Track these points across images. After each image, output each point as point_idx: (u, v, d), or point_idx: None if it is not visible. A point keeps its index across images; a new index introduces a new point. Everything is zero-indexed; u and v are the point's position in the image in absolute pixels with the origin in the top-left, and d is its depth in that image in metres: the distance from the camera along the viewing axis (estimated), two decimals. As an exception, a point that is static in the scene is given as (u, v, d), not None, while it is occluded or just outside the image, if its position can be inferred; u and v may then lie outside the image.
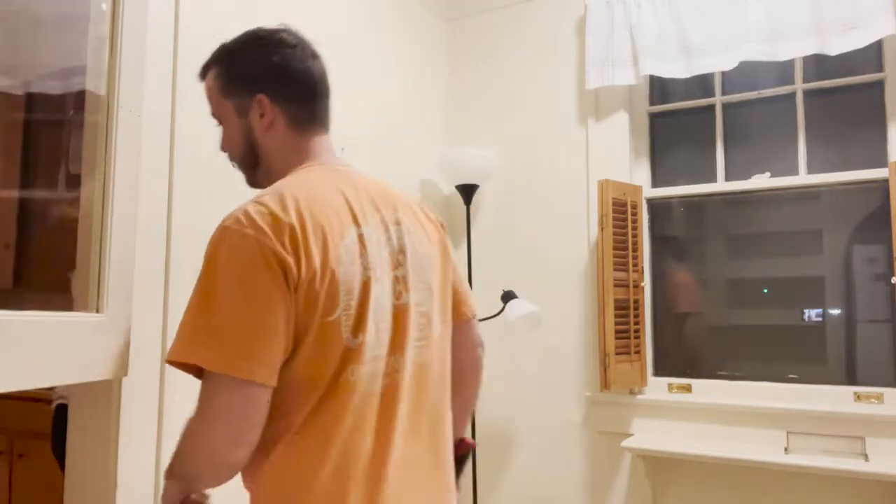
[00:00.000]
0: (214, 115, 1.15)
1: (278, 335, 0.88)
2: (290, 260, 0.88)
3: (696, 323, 2.51)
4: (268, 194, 0.94)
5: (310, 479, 0.91)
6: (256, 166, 1.12)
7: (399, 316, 1.01)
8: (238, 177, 1.88)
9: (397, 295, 1.02)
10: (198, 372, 0.88)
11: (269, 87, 1.09)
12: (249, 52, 1.13)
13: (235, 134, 1.12)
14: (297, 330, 0.91)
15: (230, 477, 0.92)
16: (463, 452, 1.23)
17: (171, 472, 0.93)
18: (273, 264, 0.87)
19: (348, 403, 0.94)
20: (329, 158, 1.11)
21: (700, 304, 2.49)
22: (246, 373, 0.85)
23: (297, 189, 0.97)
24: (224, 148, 1.15)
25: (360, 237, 0.98)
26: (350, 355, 0.93)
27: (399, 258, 1.03)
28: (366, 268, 0.96)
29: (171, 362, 0.88)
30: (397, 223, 1.06)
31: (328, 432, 0.92)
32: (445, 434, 1.08)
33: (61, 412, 1.77)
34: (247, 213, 0.90)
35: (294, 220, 0.91)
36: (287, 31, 1.17)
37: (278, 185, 0.99)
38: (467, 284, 1.26)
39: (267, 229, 0.89)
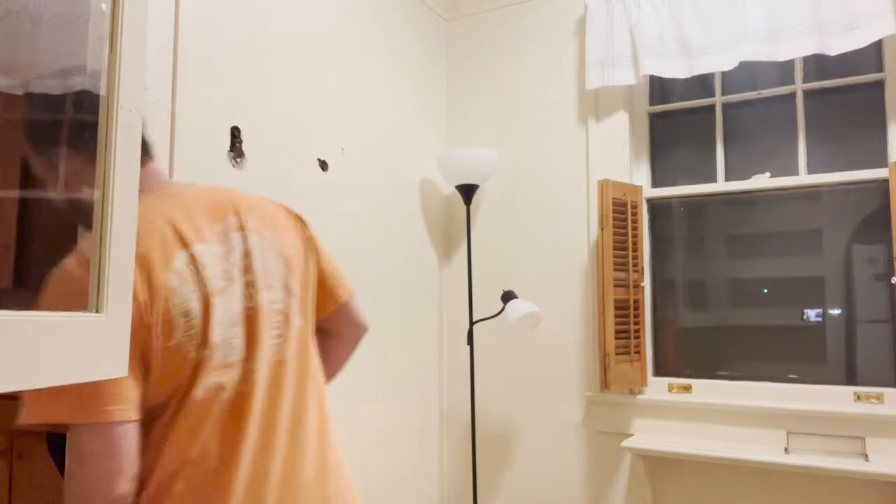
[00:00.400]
0: None
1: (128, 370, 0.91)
2: None
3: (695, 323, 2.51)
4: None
5: (163, 496, 0.98)
6: None
7: (251, 318, 1.06)
8: (238, 177, 1.89)
9: (248, 298, 1.06)
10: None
11: None
12: None
13: None
14: (143, 359, 0.95)
15: None
16: None
17: None
18: None
19: (201, 416, 0.99)
20: (157, 184, 1.11)
21: (700, 305, 2.49)
22: (104, 416, 0.89)
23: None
24: None
25: (192, 257, 1.01)
26: (198, 370, 0.99)
27: (246, 262, 1.07)
28: (202, 285, 1.00)
29: (27, 424, 0.93)
30: (240, 228, 1.09)
31: (184, 446, 0.98)
32: (308, 422, 1.11)
33: None
34: (78, 257, 0.94)
35: None
36: None
37: None
38: (339, 269, 1.28)
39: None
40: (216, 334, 1.01)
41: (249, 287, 1.07)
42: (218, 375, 1.01)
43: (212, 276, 1.02)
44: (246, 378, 1.04)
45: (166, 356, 0.99)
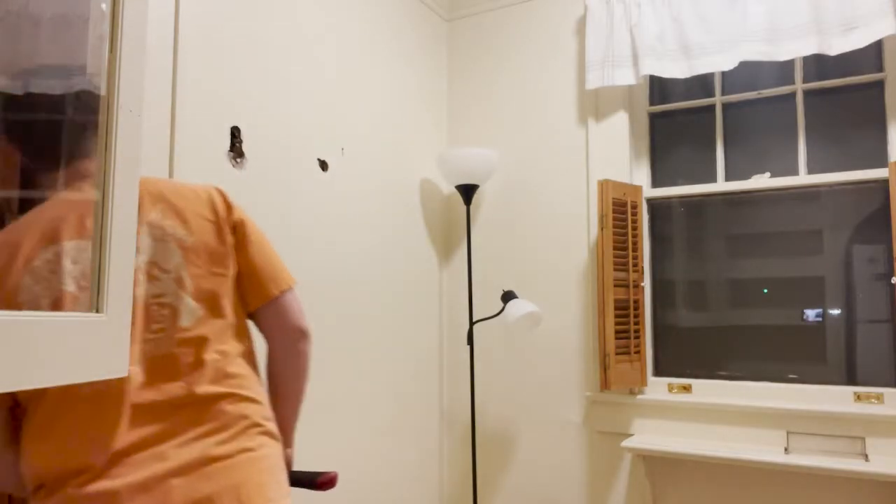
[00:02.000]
0: None
1: None
2: None
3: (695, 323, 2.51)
4: None
5: (34, 495, 0.99)
6: None
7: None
8: (238, 177, 1.89)
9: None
10: None
11: None
12: None
13: None
14: None
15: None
16: (321, 486, 1.22)
17: None
18: None
19: (60, 411, 0.98)
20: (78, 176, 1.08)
21: (700, 304, 2.49)
22: None
23: (14, 222, 1.02)
24: None
25: (57, 255, 0.98)
26: None
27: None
28: (60, 283, 0.97)
29: None
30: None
31: (40, 443, 0.98)
32: (194, 419, 1.03)
33: None
34: None
35: None
36: None
37: None
38: (274, 260, 1.19)
39: None
40: None
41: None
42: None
43: (76, 275, 0.97)
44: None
45: None
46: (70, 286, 0.98)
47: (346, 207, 2.25)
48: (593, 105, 2.59)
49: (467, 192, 2.58)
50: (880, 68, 2.25)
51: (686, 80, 2.51)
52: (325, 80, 2.18)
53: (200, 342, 1.06)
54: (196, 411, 1.02)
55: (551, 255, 2.63)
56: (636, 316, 2.41)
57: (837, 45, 2.10)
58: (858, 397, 2.14)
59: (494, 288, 2.76)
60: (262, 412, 1.10)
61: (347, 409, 2.23)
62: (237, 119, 1.81)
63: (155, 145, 1.56)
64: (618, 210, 2.39)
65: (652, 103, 2.62)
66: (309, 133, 2.09)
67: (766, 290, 2.37)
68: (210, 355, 1.06)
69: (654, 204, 2.58)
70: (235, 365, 1.09)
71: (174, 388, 1.02)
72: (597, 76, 2.48)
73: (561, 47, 2.69)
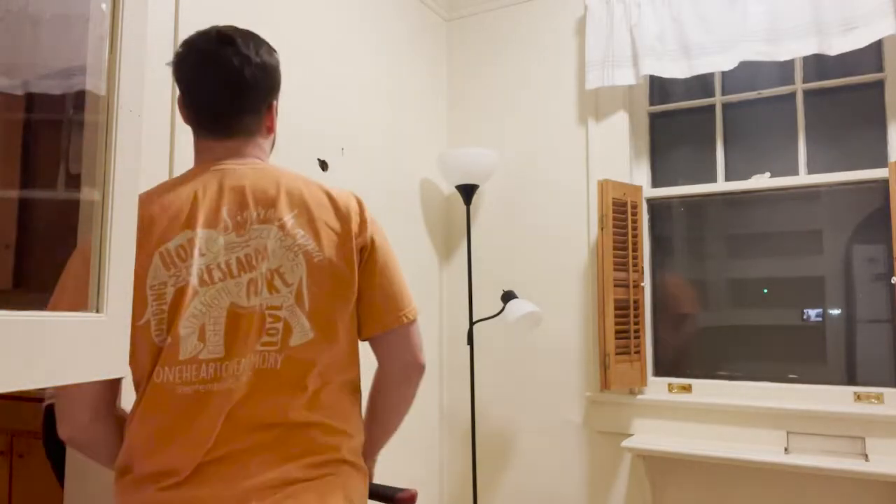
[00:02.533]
0: None
1: None
2: None
3: (695, 323, 2.51)
4: None
5: (119, 476, 1.01)
6: None
7: (241, 319, 0.99)
8: (238, 177, 1.87)
9: (243, 297, 0.99)
10: None
11: (180, 86, 1.11)
12: (175, 55, 1.11)
13: None
14: None
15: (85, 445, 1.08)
16: (399, 503, 1.18)
17: None
18: None
19: (160, 404, 0.97)
20: (210, 158, 1.08)
21: (700, 304, 2.49)
22: None
23: (146, 195, 1.04)
24: None
25: (190, 241, 0.98)
26: (161, 357, 0.97)
27: (256, 260, 1.00)
28: (186, 272, 0.97)
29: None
30: (264, 221, 1.02)
31: (137, 430, 0.98)
32: (292, 439, 1.00)
33: (52, 414, 1.77)
34: None
35: None
36: (216, 30, 1.09)
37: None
38: (398, 287, 1.13)
39: None
40: (184, 325, 0.96)
41: (251, 285, 1.00)
42: (178, 369, 0.97)
43: (203, 266, 0.98)
44: (218, 378, 0.97)
45: (135, 336, 0.98)
46: (194, 279, 0.97)
47: (346, 207, 2.25)
48: (593, 105, 2.59)
49: (467, 192, 2.58)
50: (880, 68, 2.24)
51: (686, 80, 2.51)
52: (324, 80, 2.18)
53: (307, 366, 1.02)
54: (287, 435, 1.00)
55: (551, 255, 2.63)
56: (636, 316, 2.41)
57: (837, 45, 2.10)
58: (858, 397, 2.14)
59: (494, 288, 2.76)
60: (352, 445, 1.07)
61: (347, 409, 2.22)
62: (237, 119, 1.81)
63: (155, 145, 1.56)
64: (618, 210, 2.39)
65: (652, 103, 2.62)
66: (309, 133, 2.09)
67: (766, 290, 2.37)
68: (312, 381, 1.02)
69: (654, 204, 2.58)
70: (336, 394, 1.06)
71: (271, 408, 0.99)
72: (597, 76, 2.48)
73: (561, 47, 2.69)
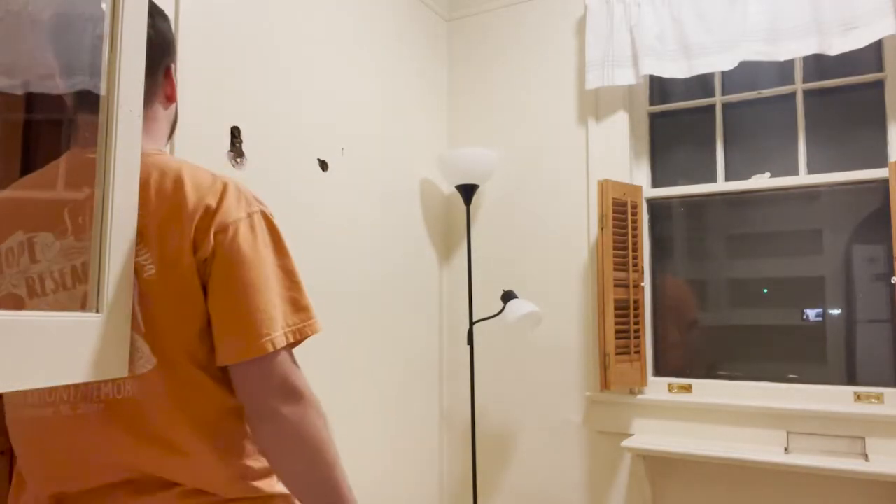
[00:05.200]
0: None
1: None
2: None
3: (696, 324, 2.51)
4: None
5: None
6: None
7: None
8: (238, 176, 1.89)
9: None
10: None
11: None
12: None
13: None
14: None
15: None
16: None
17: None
18: None
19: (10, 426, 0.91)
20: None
21: (700, 305, 2.49)
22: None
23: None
24: None
25: (23, 244, 0.87)
26: None
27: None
28: (10, 280, 0.86)
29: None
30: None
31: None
32: (128, 467, 0.86)
33: None
34: None
35: None
36: None
37: None
38: (255, 311, 0.85)
39: None
40: None
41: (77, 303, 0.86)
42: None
43: (35, 275, 0.83)
44: (50, 402, 0.87)
45: None
46: (21, 290, 0.83)
47: (346, 207, 2.25)
48: (593, 105, 2.59)
49: (467, 192, 2.58)
50: (880, 68, 2.24)
51: (686, 80, 2.51)
52: (325, 80, 2.18)
53: (150, 397, 0.89)
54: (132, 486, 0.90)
55: (551, 255, 2.63)
56: (636, 316, 2.41)
57: (837, 45, 2.10)
58: (858, 397, 2.14)
59: (494, 288, 2.76)
60: (220, 484, 0.89)
61: (347, 410, 2.23)
62: (237, 119, 1.81)
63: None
64: (618, 210, 2.39)
65: (652, 103, 2.62)
66: (309, 133, 2.09)
67: (766, 290, 2.37)
68: (159, 417, 0.89)
69: (654, 204, 2.58)
70: (190, 433, 0.89)
71: (115, 450, 0.87)
72: (597, 76, 2.48)
73: (561, 47, 2.69)
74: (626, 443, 2.27)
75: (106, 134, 0.76)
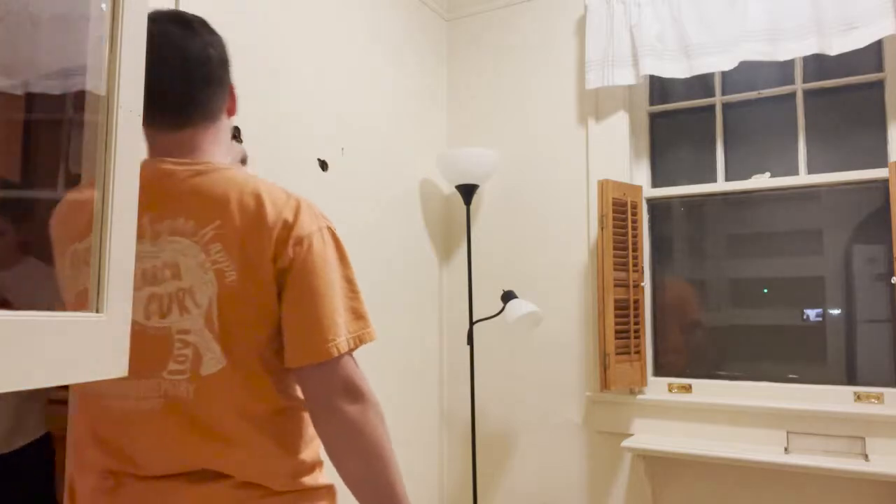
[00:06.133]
0: None
1: None
2: None
3: (696, 323, 2.51)
4: None
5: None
6: None
7: (150, 340, 0.91)
8: (238, 177, 1.87)
9: (148, 315, 0.91)
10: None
11: None
12: None
13: None
14: None
15: None
16: None
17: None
18: None
19: (86, 410, 0.96)
20: (154, 151, 0.99)
21: (700, 305, 2.49)
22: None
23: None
24: None
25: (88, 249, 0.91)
26: None
27: (164, 274, 0.91)
28: (87, 277, 0.88)
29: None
30: (185, 234, 0.92)
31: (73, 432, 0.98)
32: (190, 463, 0.92)
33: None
34: None
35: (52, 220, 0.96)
36: (156, 20, 0.98)
37: None
38: (321, 319, 0.93)
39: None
40: None
41: (153, 302, 0.91)
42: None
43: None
44: (120, 394, 0.92)
45: None
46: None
47: (345, 207, 2.25)
48: (593, 105, 2.59)
49: (467, 192, 2.58)
50: (880, 68, 2.24)
51: (686, 80, 2.51)
52: (325, 80, 2.18)
53: (226, 400, 0.95)
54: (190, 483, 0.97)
55: (551, 255, 2.63)
56: (636, 316, 2.41)
57: (837, 45, 2.10)
58: (858, 397, 2.14)
59: (494, 288, 2.76)
60: (282, 481, 0.97)
61: (347, 409, 2.22)
62: (237, 119, 1.81)
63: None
64: (618, 210, 2.39)
65: (652, 103, 2.62)
66: (309, 133, 2.09)
67: (766, 290, 2.37)
68: (226, 417, 0.98)
69: (654, 204, 2.58)
70: (255, 433, 0.98)
71: (178, 449, 0.94)
72: (597, 76, 2.48)
73: (561, 47, 2.69)
74: (626, 443, 2.27)
75: (106, 134, 0.75)
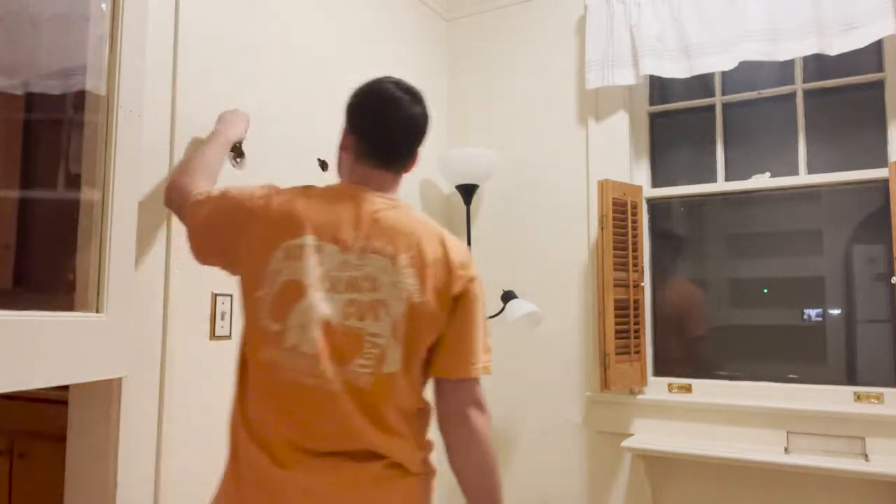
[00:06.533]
0: None
1: None
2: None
3: (695, 323, 2.51)
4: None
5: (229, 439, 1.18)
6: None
7: (335, 331, 1.11)
8: (238, 176, 1.89)
9: (347, 315, 1.12)
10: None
11: (350, 122, 1.29)
12: (354, 94, 1.31)
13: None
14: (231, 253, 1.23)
15: None
16: None
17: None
18: None
19: (267, 383, 1.12)
20: (361, 181, 1.25)
21: (700, 305, 2.49)
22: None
23: (300, 188, 1.22)
24: None
25: (318, 247, 1.13)
26: (267, 339, 1.11)
27: (364, 285, 1.13)
28: (302, 272, 1.11)
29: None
30: (384, 255, 1.15)
31: (242, 397, 1.16)
32: (355, 443, 1.12)
33: None
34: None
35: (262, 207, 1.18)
36: (394, 83, 1.28)
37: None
38: (472, 345, 1.20)
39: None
40: (291, 318, 1.10)
41: (351, 306, 1.12)
42: (283, 354, 1.10)
43: (320, 273, 1.12)
44: (313, 374, 1.10)
45: (252, 304, 1.14)
46: (310, 280, 1.10)
47: (346, 207, 2.25)
48: (593, 105, 2.59)
49: (467, 192, 2.58)
50: (880, 68, 2.24)
51: (686, 80, 2.51)
52: (325, 80, 2.18)
53: (390, 392, 1.16)
54: (353, 459, 1.15)
55: (551, 255, 2.63)
56: (636, 316, 2.41)
57: (837, 45, 2.10)
58: (858, 397, 2.14)
59: (494, 288, 2.76)
60: (414, 459, 1.22)
61: (347, 409, 2.22)
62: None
63: (155, 145, 1.56)
64: (618, 210, 2.39)
65: (652, 103, 2.62)
66: (309, 133, 2.09)
67: (766, 290, 2.37)
68: (390, 407, 1.17)
69: (654, 204, 2.58)
70: (403, 421, 1.20)
71: (353, 426, 1.13)
72: (597, 76, 2.48)
73: (561, 47, 2.69)
74: (626, 443, 2.27)
75: (106, 134, 0.75)
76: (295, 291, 1.09)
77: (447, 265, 1.19)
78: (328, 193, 1.21)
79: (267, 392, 1.12)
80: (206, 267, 1.29)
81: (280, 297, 1.10)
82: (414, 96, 1.27)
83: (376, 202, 1.21)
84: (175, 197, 1.34)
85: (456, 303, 1.18)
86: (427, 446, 1.24)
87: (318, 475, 1.09)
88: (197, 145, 1.50)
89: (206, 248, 1.23)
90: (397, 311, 1.13)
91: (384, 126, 1.25)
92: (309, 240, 1.12)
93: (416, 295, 1.14)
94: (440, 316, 1.17)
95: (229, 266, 1.21)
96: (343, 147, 1.29)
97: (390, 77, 1.29)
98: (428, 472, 1.24)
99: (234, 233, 1.17)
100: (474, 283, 1.22)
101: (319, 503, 1.09)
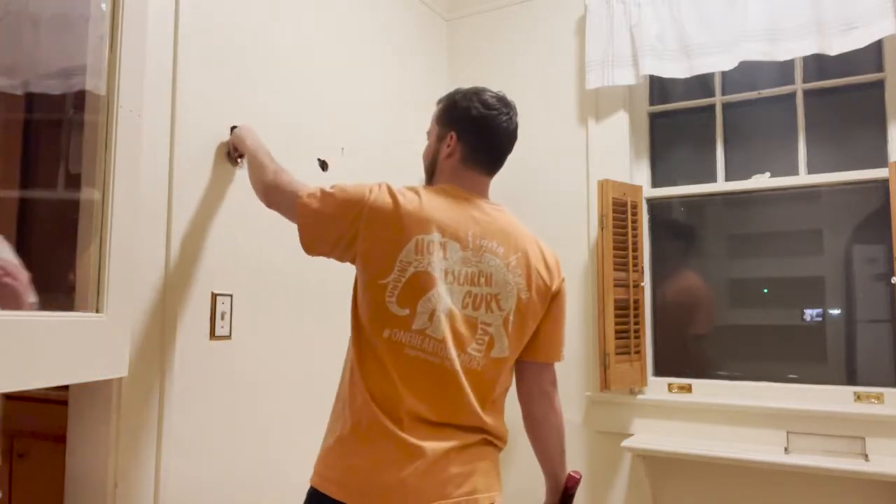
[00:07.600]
0: (428, 132, 1.50)
1: None
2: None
3: (703, 319, 2.51)
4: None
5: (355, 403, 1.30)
6: (431, 176, 1.47)
7: (455, 319, 1.26)
8: (238, 176, 1.89)
9: (464, 305, 1.28)
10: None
11: (460, 130, 1.41)
12: (462, 102, 1.42)
13: (430, 151, 1.47)
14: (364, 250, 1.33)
15: None
16: (568, 489, 1.47)
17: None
18: None
19: (393, 360, 1.24)
20: (469, 185, 1.42)
21: (709, 300, 2.49)
22: None
23: (432, 188, 1.38)
24: (423, 156, 1.50)
25: (442, 243, 1.27)
26: (395, 321, 1.24)
27: (480, 280, 1.29)
28: (429, 264, 1.25)
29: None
30: (497, 255, 1.32)
31: (362, 373, 1.27)
32: (464, 417, 1.28)
33: None
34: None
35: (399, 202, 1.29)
36: (497, 97, 1.43)
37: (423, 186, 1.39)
38: (561, 335, 1.43)
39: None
40: (421, 304, 1.23)
41: (468, 297, 1.28)
42: (409, 335, 1.23)
43: (444, 266, 1.26)
44: (437, 354, 1.24)
45: (374, 289, 1.24)
46: (436, 272, 1.24)
47: (346, 207, 2.25)
48: (593, 105, 2.59)
49: (467, 192, 2.57)
50: (880, 68, 2.24)
51: (686, 80, 2.51)
52: (325, 80, 2.18)
53: (496, 374, 1.34)
54: (467, 432, 1.31)
55: (551, 255, 2.63)
56: (636, 316, 2.41)
57: (837, 45, 2.10)
58: (858, 397, 2.14)
59: (494, 288, 2.76)
60: (501, 435, 1.40)
61: (347, 409, 2.22)
62: (237, 119, 1.81)
63: (155, 145, 1.56)
64: (618, 210, 2.39)
65: (652, 103, 2.62)
66: (309, 133, 2.09)
67: (766, 290, 2.37)
68: (496, 388, 1.36)
69: (654, 204, 2.58)
70: (500, 401, 1.41)
71: (467, 402, 1.30)
72: (597, 76, 2.48)
73: (561, 47, 2.69)
74: (626, 443, 2.27)
75: (106, 134, 0.75)
76: (425, 282, 1.23)
77: (547, 267, 1.39)
78: (443, 195, 1.34)
79: (391, 366, 1.24)
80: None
81: (409, 286, 1.23)
82: (512, 109, 1.45)
83: (485, 206, 1.40)
84: (277, 196, 1.43)
85: (552, 300, 1.39)
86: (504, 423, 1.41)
87: (434, 441, 1.23)
88: (255, 155, 1.56)
89: (321, 239, 1.31)
90: (508, 306, 1.31)
91: (495, 139, 1.43)
92: (436, 236, 1.26)
93: (523, 292, 1.33)
94: (540, 311, 1.37)
95: (343, 256, 1.30)
96: (449, 154, 1.41)
97: (486, 88, 1.44)
98: (502, 447, 1.41)
99: (353, 224, 1.26)
100: (565, 283, 1.44)
101: (434, 458, 1.22)
